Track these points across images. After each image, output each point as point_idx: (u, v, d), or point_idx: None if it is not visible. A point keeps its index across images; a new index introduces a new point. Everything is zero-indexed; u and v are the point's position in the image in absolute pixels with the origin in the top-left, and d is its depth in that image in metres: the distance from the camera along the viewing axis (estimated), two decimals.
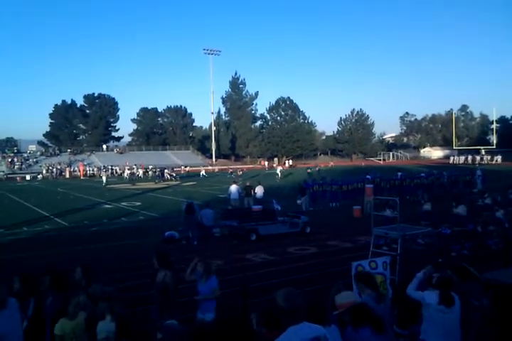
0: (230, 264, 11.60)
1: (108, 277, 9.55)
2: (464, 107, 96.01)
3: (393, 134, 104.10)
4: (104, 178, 42.88)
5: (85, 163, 62.01)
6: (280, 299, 3.55)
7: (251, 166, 62.41)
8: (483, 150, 68.40)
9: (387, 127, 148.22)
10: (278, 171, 43.54)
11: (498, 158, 63.82)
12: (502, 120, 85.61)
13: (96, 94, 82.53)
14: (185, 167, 60.46)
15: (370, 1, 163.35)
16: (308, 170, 42.13)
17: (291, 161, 74.02)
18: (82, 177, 53.91)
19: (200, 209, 15.98)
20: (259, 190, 21.69)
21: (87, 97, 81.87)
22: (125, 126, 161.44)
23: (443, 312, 4.53)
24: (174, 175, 46.16)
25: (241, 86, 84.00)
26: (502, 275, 6.87)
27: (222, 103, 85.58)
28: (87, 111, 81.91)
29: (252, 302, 6.13)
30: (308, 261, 11.65)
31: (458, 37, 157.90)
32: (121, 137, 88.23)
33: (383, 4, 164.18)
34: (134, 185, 40.40)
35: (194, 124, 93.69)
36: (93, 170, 57.88)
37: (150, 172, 51.70)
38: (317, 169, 38.55)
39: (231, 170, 46.17)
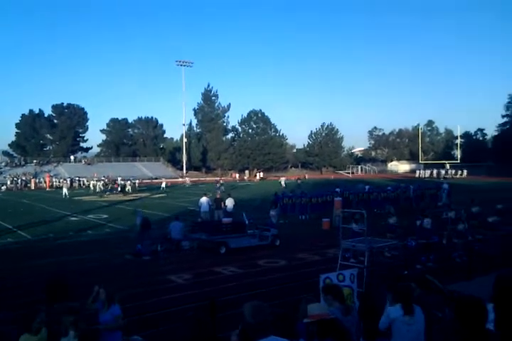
0: (199, 278, 11.50)
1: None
2: (430, 122, 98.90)
3: (362, 148, 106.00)
4: (64, 190, 41.08)
5: (52, 174, 60.49)
6: (247, 313, 3.55)
7: (222, 178, 62.44)
8: (447, 165, 70.39)
9: (356, 141, 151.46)
10: (283, 182, 45.23)
11: (464, 172, 65.82)
12: (466, 135, 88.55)
13: (65, 104, 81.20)
14: (152, 179, 59.16)
15: (341, 12, 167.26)
16: (283, 183, 43.11)
17: (261, 174, 74.25)
18: (48, 189, 52.54)
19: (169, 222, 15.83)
20: (229, 203, 21.62)
21: (55, 107, 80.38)
22: (94, 137, 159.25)
23: (408, 323, 4.62)
24: (123, 188, 43.71)
25: (213, 98, 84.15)
26: (465, 287, 7.07)
27: (194, 115, 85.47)
28: (55, 121, 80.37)
29: (221, 317, 6.09)
30: (277, 273, 11.65)
31: (424, 55, 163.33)
32: (90, 148, 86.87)
33: (358, 18, 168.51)
34: (101, 197, 39.61)
35: (165, 136, 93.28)
36: (59, 182, 56.44)
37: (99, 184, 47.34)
38: (299, 182, 39.31)
39: (218, 181, 45.49)
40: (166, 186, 49.10)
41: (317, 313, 4.11)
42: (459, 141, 77.90)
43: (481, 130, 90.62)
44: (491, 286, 3.07)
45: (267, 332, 3.36)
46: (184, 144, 77.08)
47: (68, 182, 50.14)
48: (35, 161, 67.64)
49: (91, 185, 48.73)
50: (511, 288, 1.62)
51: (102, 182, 47.93)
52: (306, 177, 67.52)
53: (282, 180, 47.00)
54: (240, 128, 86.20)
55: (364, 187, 28.54)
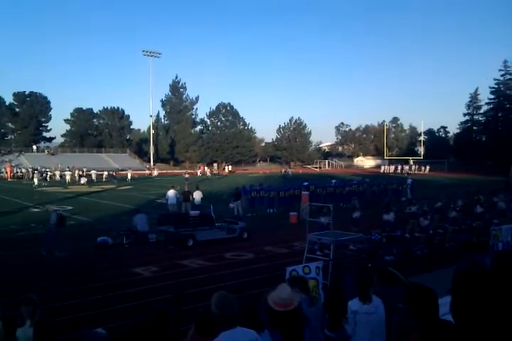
0: (166, 270, 11.45)
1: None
2: (394, 119, 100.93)
3: (329, 143, 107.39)
4: (35, 180, 40.70)
5: (13, 164, 58.54)
6: (214, 304, 3.59)
7: (190, 171, 62.13)
8: (411, 161, 72.20)
9: (323, 136, 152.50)
10: (290, 172, 53.20)
11: (427, 168, 67.70)
12: (429, 132, 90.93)
13: (27, 92, 78.50)
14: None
15: (309, 10, 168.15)
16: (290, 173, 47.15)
17: (230, 167, 74.18)
18: (9, 179, 50.91)
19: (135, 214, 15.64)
20: (197, 196, 21.53)
21: (16, 95, 77.65)
22: (57, 127, 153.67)
23: (367, 313, 4.76)
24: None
25: (181, 90, 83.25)
26: (426, 279, 7.34)
27: (162, 106, 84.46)
28: (17, 109, 77.69)
29: (187, 309, 6.10)
30: (244, 266, 11.73)
31: (390, 53, 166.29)
32: (53, 138, 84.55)
33: (323, 16, 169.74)
34: (65, 188, 38.70)
35: (132, 127, 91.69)
36: (21, 172, 54.77)
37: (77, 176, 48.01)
38: (290, 173, 41.77)
39: (187, 174, 45.62)
40: (132, 178, 48.53)
41: (283, 302, 4.17)
42: (422, 137, 79.98)
43: (443, 127, 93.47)
44: (451, 278, 3.22)
45: (234, 323, 3.41)
46: (151, 136, 76.03)
47: (43, 173, 48.70)
48: None
49: (56, 176, 47.68)
50: (468, 281, 1.70)
51: (70, 172, 47.06)
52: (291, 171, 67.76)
53: (289, 171, 49.52)
54: (208, 121, 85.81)
55: (331, 181, 28.97)
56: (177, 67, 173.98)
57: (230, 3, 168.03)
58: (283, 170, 59.47)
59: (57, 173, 48.77)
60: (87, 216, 21.08)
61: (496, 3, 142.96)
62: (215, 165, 77.83)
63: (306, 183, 25.34)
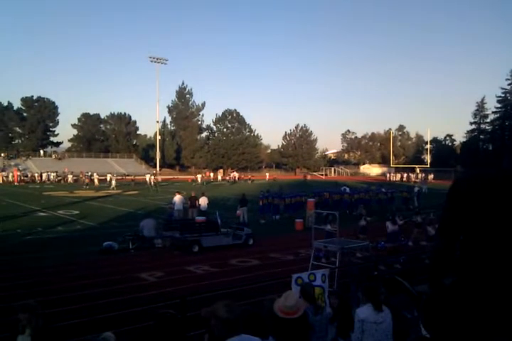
0: (171, 276, 11.44)
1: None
2: (401, 127, 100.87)
3: (335, 150, 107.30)
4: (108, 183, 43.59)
5: (20, 169, 58.94)
6: (220, 311, 3.58)
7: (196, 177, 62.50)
8: (417, 169, 71.91)
9: (329, 143, 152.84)
10: (309, 177, 60.06)
11: (431, 177, 67.33)
12: (435, 141, 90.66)
13: (35, 97, 79.14)
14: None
15: (319, 12, 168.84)
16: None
17: (236, 173, 74.23)
18: (16, 183, 51.22)
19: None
20: (203, 201, 21.53)
21: (25, 100, 78.27)
22: (65, 132, 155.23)
23: (376, 322, 4.73)
24: None
25: (188, 96, 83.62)
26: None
27: (168, 112, 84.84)
28: (25, 114, 78.28)
29: (192, 316, 6.08)
30: (249, 273, 11.70)
31: (397, 61, 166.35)
32: (60, 142, 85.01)
33: (337, 19, 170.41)
34: (71, 192, 38.87)
35: (138, 132, 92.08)
36: (28, 176, 55.22)
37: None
38: (308, 178, 42.85)
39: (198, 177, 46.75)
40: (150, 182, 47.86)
41: (288, 310, 4.15)
42: (428, 146, 79.72)
43: (449, 136, 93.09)
44: None
45: (237, 330, 3.40)
46: (158, 141, 76.30)
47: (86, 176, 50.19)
48: (3, 155, 65.72)
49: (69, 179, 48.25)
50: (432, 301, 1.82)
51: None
52: (309, 177, 68.35)
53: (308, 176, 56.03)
54: (214, 127, 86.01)
55: (344, 188, 29.01)
56: (183, 74, 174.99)
57: (237, 10, 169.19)
58: (303, 177, 61.39)
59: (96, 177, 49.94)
60: (93, 220, 21.14)
61: (505, 12, 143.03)
62: (220, 171, 77.88)
63: (346, 189, 27.63)
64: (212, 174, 68.71)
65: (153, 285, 10.62)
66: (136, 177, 53.30)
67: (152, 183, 45.24)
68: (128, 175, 58.69)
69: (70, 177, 54.49)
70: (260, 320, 4.02)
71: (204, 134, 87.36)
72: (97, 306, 8.62)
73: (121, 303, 8.70)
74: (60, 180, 54.19)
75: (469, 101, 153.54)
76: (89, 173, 52.33)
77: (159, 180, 52.67)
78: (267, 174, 71.35)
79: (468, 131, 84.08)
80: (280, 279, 7.68)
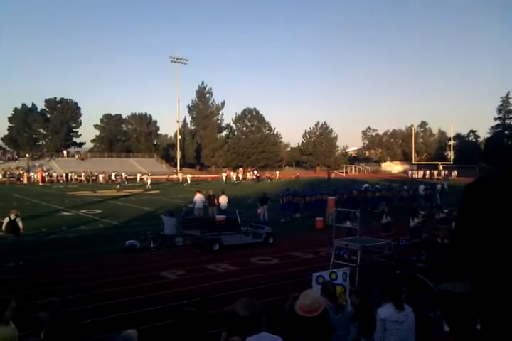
0: (192, 274, 11.50)
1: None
2: (423, 124, 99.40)
3: (355, 148, 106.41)
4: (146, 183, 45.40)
5: (44, 169, 60.13)
6: (240, 309, 3.56)
7: (216, 176, 62.66)
8: (440, 166, 70.77)
9: (350, 141, 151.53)
10: (333, 175, 59.64)
11: (454, 173, 66.18)
12: (458, 137, 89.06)
13: (58, 99, 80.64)
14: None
15: (338, 10, 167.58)
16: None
17: (256, 172, 74.24)
18: (40, 183, 52.27)
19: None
20: (222, 200, 21.59)
21: (48, 101, 79.82)
22: (87, 132, 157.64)
23: (398, 322, 4.65)
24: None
25: (207, 95, 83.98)
26: (457, 286, 7.13)
27: (188, 112, 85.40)
28: (48, 115, 79.87)
29: (213, 314, 6.09)
30: (270, 271, 11.67)
31: (419, 57, 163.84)
32: (83, 143, 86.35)
33: (356, 18, 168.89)
34: (94, 192, 39.48)
35: (159, 132, 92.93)
36: (52, 176, 56.38)
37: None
38: (332, 175, 43.66)
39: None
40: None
41: (308, 308, 4.13)
42: (451, 142, 78.39)
43: (473, 132, 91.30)
44: None
45: (257, 328, 3.37)
46: (178, 141, 76.87)
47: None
48: (27, 155, 67.17)
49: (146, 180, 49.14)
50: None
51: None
52: (333, 175, 68.21)
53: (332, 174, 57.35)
54: (234, 126, 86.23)
55: (367, 186, 28.76)
56: (203, 73, 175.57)
57: (256, 9, 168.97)
58: (327, 175, 61.10)
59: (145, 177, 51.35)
60: (115, 219, 21.43)
61: None
62: (240, 169, 78.00)
63: (366, 185, 27.85)
64: (232, 173, 68.83)
65: (174, 283, 10.70)
66: (160, 177, 55.06)
67: (188, 181, 50.91)
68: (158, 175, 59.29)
69: (100, 177, 56.41)
70: (281, 319, 4.01)
71: (224, 133, 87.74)
72: (120, 304, 8.73)
73: (143, 301, 8.79)
74: (88, 179, 55.41)
75: (493, 97, 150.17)
76: (123, 173, 54.81)
77: (188, 179, 53.38)
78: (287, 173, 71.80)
79: (492, 127, 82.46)
80: (301, 278, 7.65)
